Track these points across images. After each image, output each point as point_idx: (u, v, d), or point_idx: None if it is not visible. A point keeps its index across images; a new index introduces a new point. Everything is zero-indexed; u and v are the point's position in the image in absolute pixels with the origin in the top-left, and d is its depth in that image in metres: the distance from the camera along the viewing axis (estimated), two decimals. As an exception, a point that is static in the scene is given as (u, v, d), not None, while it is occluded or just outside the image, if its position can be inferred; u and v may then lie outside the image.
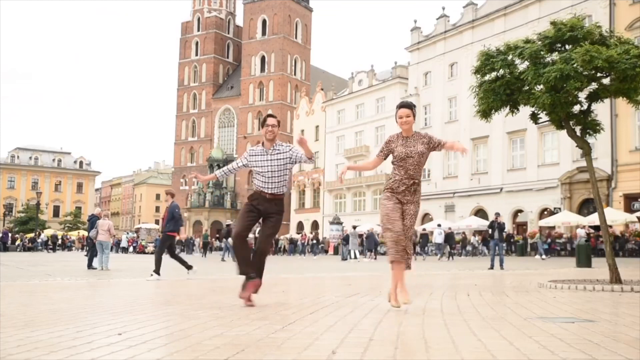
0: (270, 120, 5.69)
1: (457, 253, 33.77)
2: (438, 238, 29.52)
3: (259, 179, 5.67)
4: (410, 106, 5.29)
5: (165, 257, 11.06)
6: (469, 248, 36.18)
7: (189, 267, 11.09)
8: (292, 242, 43.03)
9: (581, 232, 28.97)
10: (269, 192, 5.64)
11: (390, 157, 5.34)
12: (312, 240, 38.20)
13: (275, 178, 5.65)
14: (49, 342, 3.32)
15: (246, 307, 5.27)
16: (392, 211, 5.11)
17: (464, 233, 37.08)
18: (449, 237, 30.05)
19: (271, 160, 5.64)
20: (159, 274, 10.52)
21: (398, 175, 5.19)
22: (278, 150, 5.68)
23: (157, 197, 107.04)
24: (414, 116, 5.25)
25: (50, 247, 48.36)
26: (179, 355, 2.97)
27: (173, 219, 10.93)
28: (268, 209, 5.66)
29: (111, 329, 3.93)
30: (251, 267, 5.55)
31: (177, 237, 11.66)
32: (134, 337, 3.51)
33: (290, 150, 5.73)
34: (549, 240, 32.97)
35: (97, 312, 5.10)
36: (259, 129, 78.95)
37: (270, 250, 5.93)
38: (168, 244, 11.16)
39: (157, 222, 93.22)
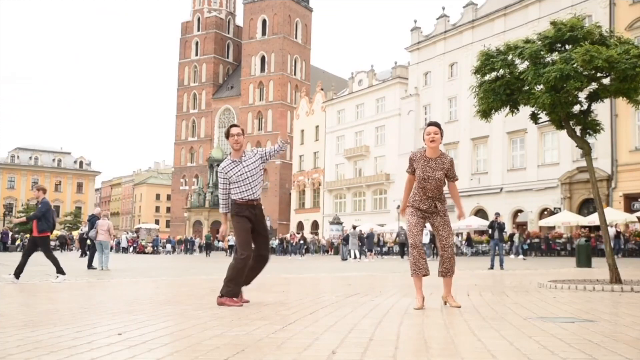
0: (234, 130, 5.71)
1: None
2: (425, 238, 29.73)
3: (239, 189, 5.65)
4: (439, 125, 5.32)
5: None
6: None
7: (60, 271, 10.01)
8: (282, 242, 42.63)
9: (610, 231, 28.52)
10: (254, 197, 5.68)
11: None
12: (299, 240, 38.10)
13: (255, 182, 5.68)
14: (49, 342, 3.32)
15: (246, 307, 5.28)
16: (414, 226, 5.29)
17: None
18: (435, 237, 30.24)
19: (246, 167, 5.68)
20: (63, 273, 9.86)
21: (418, 194, 5.32)
22: (247, 157, 5.74)
23: (157, 197, 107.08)
24: (442, 136, 5.26)
25: (56, 247, 48.49)
26: (179, 355, 2.97)
27: (44, 217, 10.11)
28: (256, 217, 5.71)
29: (111, 329, 3.93)
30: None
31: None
32: (134, 337, 3.51)
33: (257, 153, 5.79)
34: (529, 240, 33.04)
35: (97, 312, 5.11)
36: (259, 129, 79.20)
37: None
38: (47, 243, 10.29)
39: (157, 222, 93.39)
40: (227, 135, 5.72)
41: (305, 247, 39.09)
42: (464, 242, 36.96)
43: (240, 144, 5.71)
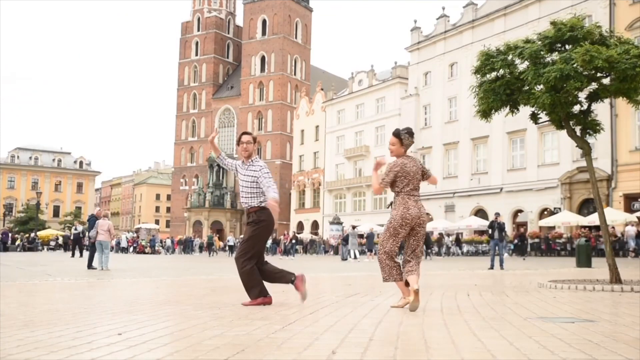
0: (244, 138, 5.70)
1: (434, 252, 34.25)
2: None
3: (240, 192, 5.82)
4: (398, 134, 5.32)
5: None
6: (444, 249, 37.22)
7: None
8: (275, 242, 42.37)
9: (631, 230, 28.23)
10: (245, 205, 5.72)
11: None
12: (291, 240, 38.09)
13: (245, 192, 5.65)
14: (49, 342, 3.32)
15: (246, 307, 5.28)
16: None
17: (440, 234, 37.94)
18: (426, 237, 30.41)
19: (244, 175, 5.67)
20: None
21: None
22: (251, 167, 5.66)
23: (157, 197, 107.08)
24: (401, 143, 5.26)
25: (56, 247, 48.69)
26: (179, 355, 2.97)
27: None
28: (248, 224, 5.71)
29: (111, 329, 3.93)
30: (264, 285, 5.54)
31: None
32: (134, 337, 3.51)
33: (260, 170, 5.58)
34: (517, 240, 33.06)
35: (97, 312, 5.10)
36: (259, 129, 79.17)
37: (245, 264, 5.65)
38: None
39: (157, 222, 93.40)
40: (238, 141, 5.72)
41: (299, 247, 39.15)
42: (453, 242, 37.47)
43: (249, 152, 5.66)
